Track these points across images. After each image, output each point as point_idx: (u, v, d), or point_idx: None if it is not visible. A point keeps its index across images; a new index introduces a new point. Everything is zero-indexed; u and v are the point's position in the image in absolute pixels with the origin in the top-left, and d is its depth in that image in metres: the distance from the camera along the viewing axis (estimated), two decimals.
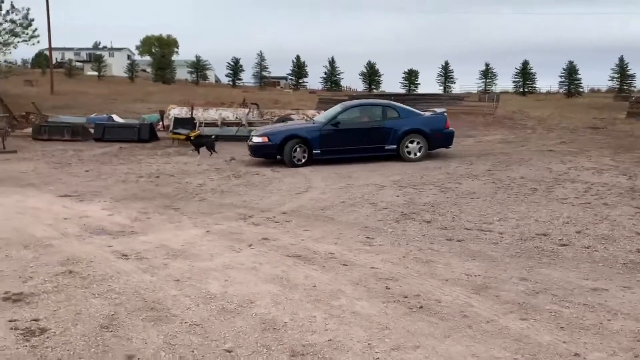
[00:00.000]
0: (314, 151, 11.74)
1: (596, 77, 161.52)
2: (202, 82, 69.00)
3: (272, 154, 11.84)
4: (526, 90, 63.28)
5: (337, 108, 13.03)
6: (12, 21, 32.98)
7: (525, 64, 64.99)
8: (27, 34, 33.57)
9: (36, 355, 3.25)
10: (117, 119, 20.81)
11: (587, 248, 5.48)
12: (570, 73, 59.87)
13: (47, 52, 46.91)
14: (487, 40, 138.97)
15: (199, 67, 70.73)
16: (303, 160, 11.66)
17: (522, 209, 7.20)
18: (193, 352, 3.30)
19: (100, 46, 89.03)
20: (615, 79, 60.77)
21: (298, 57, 74.52)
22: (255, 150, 12.05)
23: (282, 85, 75.29)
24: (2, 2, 31.72)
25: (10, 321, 3.73)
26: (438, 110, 13.94)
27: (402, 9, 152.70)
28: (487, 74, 69.26)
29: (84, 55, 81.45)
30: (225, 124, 19.05)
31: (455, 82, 71.77)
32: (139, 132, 17.16)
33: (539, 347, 3.34)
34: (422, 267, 4.93)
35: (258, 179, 10.14)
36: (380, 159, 12.01)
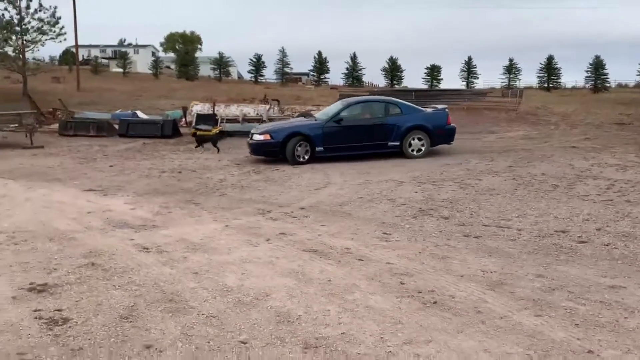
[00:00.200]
0: (316, 148, 11.57)
1: (624, 72, 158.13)
2: (224, 78, 69.47)
3: (274, 152, 11.59)
4: (551, 85, 62.21)
5: (338, 105, 12.83)
6: (40, 19, 33.67)
7: (550, 59, 63.89)
8: (54, 31, 34.25)
9: (59, 344, 3.36)
10: (141, 115, 21.16)
11: (607, 245, 5.42)
12: (597, 68, 58.63)
13: (73, 50, 47.75)
14: (511, 35, 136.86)
15: (221, 63, 71.18)
16: (305, 158, 11.48)
17: (541, 206, 7.13)
18: (209, 342, 3.38)
19: (126, 43, 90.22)
20: None
21: (320, 53, 74.48)
22: (256, 148, 11.84)
23: (303, 82, 75.39)
24: (30, 0, 32.39)
25: (35, 311, 3.87)
26: (439, 106, 13.75)
27: (426, 3, 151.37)
28: (511, 69, 68.29)
29: (109, 52, 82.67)
30: (247, 120, 19.21)
31: (478, 78, 70.95)
32: (162, 128, 17.44)
33: (552, 343, 3.33)
34: (438, 263, 4.94)
35: (277, 174, 10.23)
36: (399, 155, 11.99)
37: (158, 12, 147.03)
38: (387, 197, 7.92)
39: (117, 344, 3.37)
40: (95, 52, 76.85)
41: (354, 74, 72.89)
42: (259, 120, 18.50)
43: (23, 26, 33.37)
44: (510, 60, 69.15)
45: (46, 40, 34.09)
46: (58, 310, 3.87)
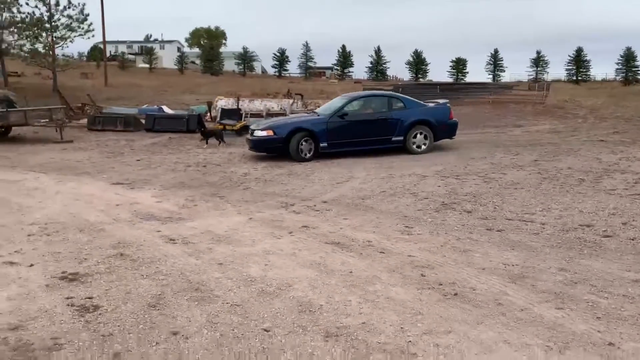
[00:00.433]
0: (320, 144, 11.28)
1: None
2: (248, 73, 69.95)
3: (278, 149, 11.28)
4: (579, 78, 61.03)
5: (341, 99, 12.52)
6: (69, 16, 34.41)
7: (579, 51, 62.68)
8: (82, 28, 34.98)
9: (90, 330, 3.50)
10: (167, 110, 21.46)
11: (633, 240, 5.36)
12: (628, 60, 57.31)
13: (101, 46, 48.58)
14: (539, 27, 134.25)
15: (245, 58, 71.69)
16: (309, 155, 11.24)
17: (566, 200, 7.07)
18: (233, 330, 3.48)
19: (152, 39, 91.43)
20: None
21: (344, 47, 74.43)
22: (258, 144, 11.52)
23: (327, 76, 75.37)
24: None
25: (67, 298, 4.03)
26: (440, 101, 13.57)
27: None
28: (539, 62, 67.19)
29: (136, 48, 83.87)
30: (270, 114, 19.34)
31: (505, 71, 70.10)
32: (188, 123, 17.67)
33: (573, 335, 3.34)
34: (460, 256, 4.96)
35: (300, 168, 10.31)
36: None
37: (184, 8, 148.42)
38: (409, 191, 7.93)
39: (145, 330, 3.49)
40: (122, 48, 78.11)
41: (377, 67, 72.63)
42: (283, 115, 18.61)
43: (53, 23, 34.15)
44: (538, 52, 68.15)
45: (75, 36, 34.89)
46: (89, 298, 4.02)
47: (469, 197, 7.45)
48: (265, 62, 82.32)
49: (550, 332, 3.40)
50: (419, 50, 70.77)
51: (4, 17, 32.81)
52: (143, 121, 18.64)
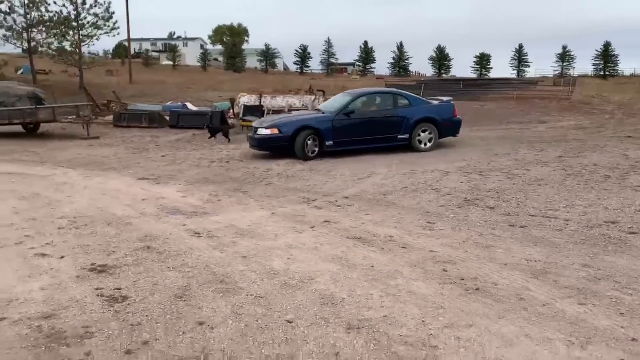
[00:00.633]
0: (326, 142, 11.04)
1: None
2: (270, 70, 70.20)
3: (283, 147, 10.99)
4: (607, 73, 59.80)
5: (345, 96, 12.25)
6: (95, 14, 35.01)
7: (606, 45, 61.41)
8: (108, 26, 35.59)
9: (119, 319, 3.62)
10: (190, 106, 21.72)
11: None
12: None
13: (125, 43, 49.32)
14: (565, 21, 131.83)
15: (268, 55, 71.95)
16: (314, 153, 11.02)
17: (591, 196, 6.99)
18: (257, 321, 3.56)
19: (175, 36, 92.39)
20: None
21: (366, 43, 74.20)
22: (262, 142, 11.21)
23: (349, 72, 75.23)
24: None
25: (97, 289, 4.16)
26: (444, 98, 13.41)
27: None
28: (565, 56, 66.05)
29: (159, 45, 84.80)
30: (292, 110, 19.43)
31: (529, 66, 69.07)
32: (211, 119, 17.86)
33: (595, 331, 3.34)
34: (482, 252, 4.97)
35: (322, 164, 10.36)
36: (449, 144, 11.91)
37: (206, 5, 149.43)
38: (432, 187, 7.93)
39: (172, 320, 3.60)
40: (146, 46, 79.11)
41: (400, 63, 72.22)
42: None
43: (79, 21, 34.78)
44: (564, 47, 66.97)
45: (100, 34, 35.50)
46: (117, 289, 4.14)
47: (492, 193, 7.42)
48: (287, 59, 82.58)
49: (572, 327, 3.40)
50: (442, 46, 70.19)
51: (32, 16, 33.57)
52: (167, 118, 18.91)
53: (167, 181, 8.88)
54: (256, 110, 18.18)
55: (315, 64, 74.99)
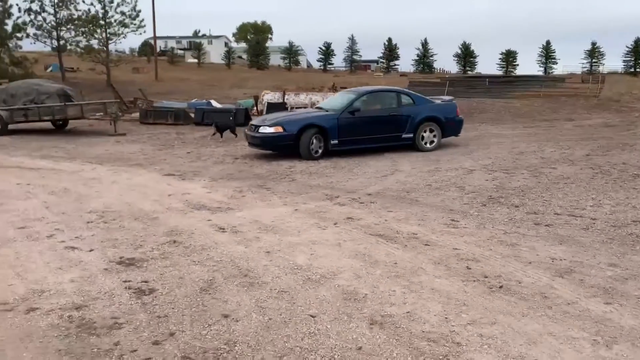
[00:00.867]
0: (331, 141, 10.76)
1: None
2: (294, 67, 70.34)
3: (288, 146, 10.69)
4: (638, 70, 58.41)
5: (348, 94, 12.05)
6: (122, 13, 35.59)
7: (637, 41, 59.95)
8: (135, 24, 36.18)
9: (147, 311, 3.71)
10: (215, 104, 21.93)
11: None
12: None
13: (152, 41, 49.98)
14: (595, 16, 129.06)
15: (291, 52, 72.09)
16: (319, 153, 10.74)
17: (619, 196, 6.88)
18: (281, 315, 3.61)
19: (200, 34, 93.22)
20: None
21: (390, 40, 73.84)
22: (266, 141, 10.81)
23: (372, 69, 74.95)
24: None
25: (125, 281, 4.26)
26: (446, 97, 13.19)
27: None
28: (594, 53, 64.72)
29: (184, 43, 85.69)
30: (295, 108, 19.49)
31: (557, 63, 67.89)
32: (235, 117, 18.02)
33: (621, 330, 3.30)
34: (506, 250, 4.94)
35: (345, 161, 10.38)
36: (473, 142, 11.80)
37: (231, 2, 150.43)
38: (456, 185, 7.89)
39: (198, 312, 3.67)
40: (171, 44, 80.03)
41: (424, 60, 71.64)
42: None
43: (107, 20, 35.39)
44: (593, 43, 65.62)
45: (127, 32, 36.09)
46: (145, 282, 4.24)
47: (517, 191, 7.35)
48: (311, 56, 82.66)
49: (597, 326, 3.37)
50: (467, 43, 69.39)
51: (62, 15, 34.31)
52: (192, 115, 19.13)
53: (192, 177, 9.00)
54: (280, 108, 18.29)
55: (338, 61, 74.89)
